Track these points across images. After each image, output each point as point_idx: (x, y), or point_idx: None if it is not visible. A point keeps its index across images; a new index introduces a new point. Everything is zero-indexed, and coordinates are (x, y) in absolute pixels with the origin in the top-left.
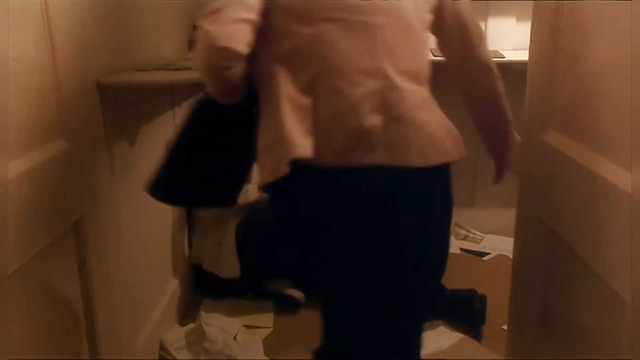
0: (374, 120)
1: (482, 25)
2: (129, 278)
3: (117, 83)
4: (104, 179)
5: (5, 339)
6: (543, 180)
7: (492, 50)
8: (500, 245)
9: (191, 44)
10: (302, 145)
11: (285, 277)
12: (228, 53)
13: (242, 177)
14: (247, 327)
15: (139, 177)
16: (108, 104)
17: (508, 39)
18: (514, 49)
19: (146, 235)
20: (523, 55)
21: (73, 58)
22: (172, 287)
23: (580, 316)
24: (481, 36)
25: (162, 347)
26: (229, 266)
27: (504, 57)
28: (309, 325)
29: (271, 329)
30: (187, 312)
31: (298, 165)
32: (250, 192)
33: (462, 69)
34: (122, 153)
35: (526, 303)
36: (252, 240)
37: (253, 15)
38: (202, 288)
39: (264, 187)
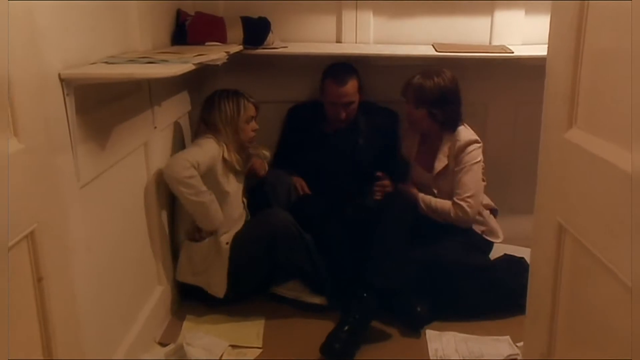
0: None
1: (489, 18)
2: (97, 294)
3: (82, 77)
4: (67, 184)
5: (5, 339)
6: (565, 181)
7: (499, 46)
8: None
9: (175, 36)
10: None
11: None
12: None
13: None
14: (234, 347)
15: (111, 183)
16: (74, 101)
17: (516, 33)
18: (523, 44)
19: (120, 247)
20: (533, 51)
21: (28, 47)
22: (150, 303)
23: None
24: None
25: None
26: (218, 280)
27: (512, 52)
28: (301, 344)
29: (260, 349)
30: (168, 330)
31: None
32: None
33: None
34: (91, 156)
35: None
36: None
37: None
38: (185, 304)
39: None
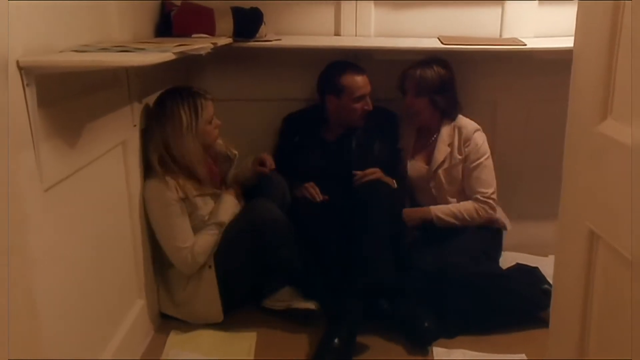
0: None
1: (499, 9)
2: (66, 310)
3: (44, 64)
4: (28, 186)
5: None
6: (597, 180)
7: (510, 38)
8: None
9: (160, 27)
10: None
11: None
12: None
13: None
14: None
15: (83, 186)
16: (35, 91)
17: (528, 25)
18: (536, 36)
19: (93, 258)
20: (547, 43)
21: None
22: (129, 319)
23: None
24: None
25: None
26: (207, 308)
27: (525, 45)
28: (295, 357)
29: None
30: (150, 347)
31: None
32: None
33: None
34: (58, 155)
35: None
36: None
37: None
38: (170, 318)
39: None
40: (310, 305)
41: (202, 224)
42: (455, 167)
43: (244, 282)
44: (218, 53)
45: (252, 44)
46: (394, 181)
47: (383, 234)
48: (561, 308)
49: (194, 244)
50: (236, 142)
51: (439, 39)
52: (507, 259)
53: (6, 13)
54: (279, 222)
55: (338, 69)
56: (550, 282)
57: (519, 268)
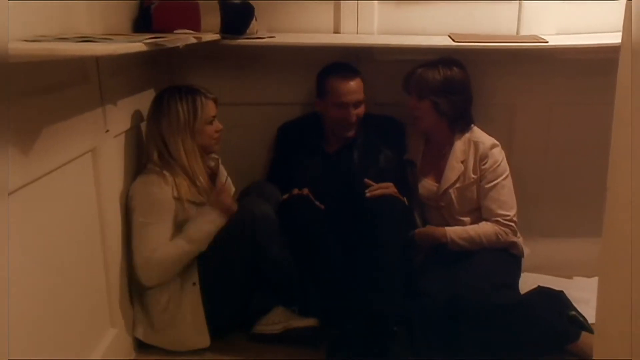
0: None
1: (516, 3)
2: (20, 338)
3: None
4: None
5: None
6: None
7: (530, 36)
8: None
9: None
10: None
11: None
12: None
13: None
14: None
15: (43, 197)
16: None
17: (549, 21)
18: (558, 33)
19: (55, 280)
20: (573, 41)
21: None
22: (99, 350)
23: None
24: None
25: None
26: (192, 332)
27: (546, 42)
28: None
29: None
30: None
31: None
32: None
33: None
34: (17, 163)
35: None
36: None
37: None
38: (149, 347)
39: None
40: (311, 322)
41: None
42: (469, 188)
43: (233, 299)
44: (205, 52)
45: (242, 41)
46: (404, 199)
47: (393, 256)
48: (606, 337)
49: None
50: (224, 152)
51: (450, 37)
52: (527, 282)
53: None
54: (270, 219)
55: (327, 71)
56: (577, 307)
57: (541, 292)
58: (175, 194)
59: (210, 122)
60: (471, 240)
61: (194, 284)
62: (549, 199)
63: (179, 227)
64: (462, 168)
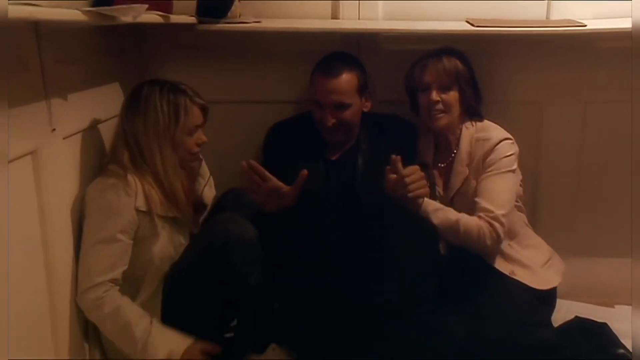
0: None
1: None
2: None
3: None
4: None
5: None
6: None
7: (564, 20)
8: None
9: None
10: None
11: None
12: None
13: None
14: None
15: None
16: None
17: (584, 4)
18: (595, 18)
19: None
20: (613, 24)
21: None
22: None
23: None
24: None
25: None
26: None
27: (584, 26)
28: None
29: None
30: None
31: None
32: None
33: None
34: None
35: None
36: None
37: None
38: None
39: None
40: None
41: (144, 269)
42: (473, 194)
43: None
44: (179, 41)
45: (222, 26)
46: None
47: (413, 290)
48: None
49: (112, 294)
50: (204, 157)
51: (468, 22)
52: (561, 311)
53: None
54: (247, 241)
55: (319, 62)
56: (625, 343)
57: (580, 325)
58: (141, 205)
59: (191, 134)
60: (447, 223)
61: (150, 322)
62: (585, 211)
63: (142, 242)
64: (467, 172)
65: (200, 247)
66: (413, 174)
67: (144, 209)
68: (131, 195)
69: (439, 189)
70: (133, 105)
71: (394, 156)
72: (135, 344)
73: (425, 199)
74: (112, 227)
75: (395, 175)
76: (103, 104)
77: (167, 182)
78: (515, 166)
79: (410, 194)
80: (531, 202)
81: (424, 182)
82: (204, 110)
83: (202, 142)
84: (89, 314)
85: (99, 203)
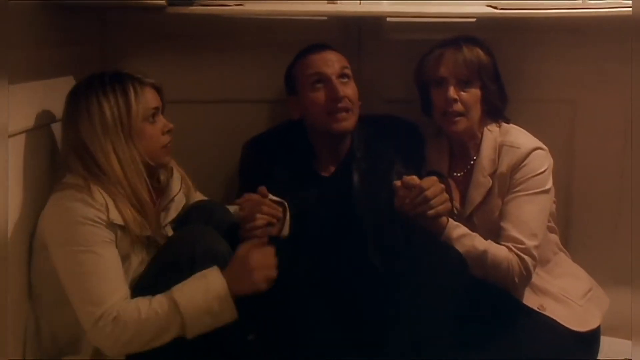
0: None
1: None
2: None
3: None
4: None
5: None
6: None
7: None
8: None
9: None
10: None
11: None
12: None
13: None
14: None
15: None
16: None
17: None
18: None
19: None
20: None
21: None
22: None
23: None
24: None
25: None
26: None
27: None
28: None
29: None
30: None
31: None
32: None
33: None
34: None
35: None
36: None
37: None
38: None
39: None
40: None
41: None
42: (496, 207)
43: None
44: (145, 30)
45: (197, 8)
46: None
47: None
48: None
49: (119, 307)
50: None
51: (490, 6)
52: (606, 351)
53: None
54: (217, 256)
55: (294, 60)
56: None
57: None
58: (116, 218)
59: (152, 119)
60: (473, 253)
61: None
62: (630, 231)
63: None
64: (490, 183)
65: (165, 264)
66: (433, 185)
67: (119, 222)
68: (100, 209)
69: (456, 204)
70: (73, 109)
71: (406, 177)
72: (182, 319)
73: (450, 220)
74: (94, 240)
75: (405, 189)
76: (55, 99)
77: (129, 184)
78: (549, 185)
79: (430, 212)
80: (564, 220)
81: (446, 195)
82: (157, 89)
83: (168, 129)
84: (113, 347)
85: (66, 224)
